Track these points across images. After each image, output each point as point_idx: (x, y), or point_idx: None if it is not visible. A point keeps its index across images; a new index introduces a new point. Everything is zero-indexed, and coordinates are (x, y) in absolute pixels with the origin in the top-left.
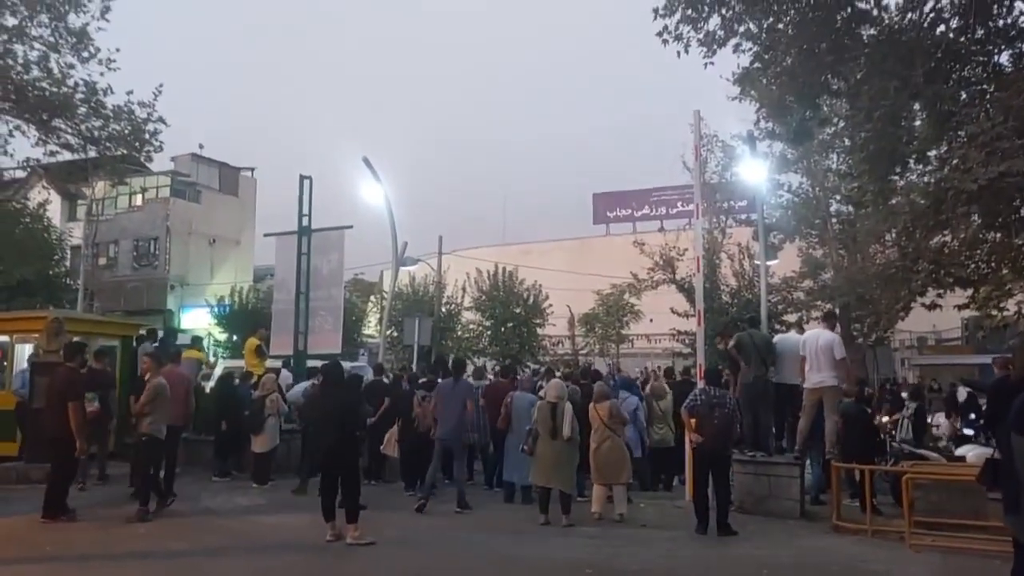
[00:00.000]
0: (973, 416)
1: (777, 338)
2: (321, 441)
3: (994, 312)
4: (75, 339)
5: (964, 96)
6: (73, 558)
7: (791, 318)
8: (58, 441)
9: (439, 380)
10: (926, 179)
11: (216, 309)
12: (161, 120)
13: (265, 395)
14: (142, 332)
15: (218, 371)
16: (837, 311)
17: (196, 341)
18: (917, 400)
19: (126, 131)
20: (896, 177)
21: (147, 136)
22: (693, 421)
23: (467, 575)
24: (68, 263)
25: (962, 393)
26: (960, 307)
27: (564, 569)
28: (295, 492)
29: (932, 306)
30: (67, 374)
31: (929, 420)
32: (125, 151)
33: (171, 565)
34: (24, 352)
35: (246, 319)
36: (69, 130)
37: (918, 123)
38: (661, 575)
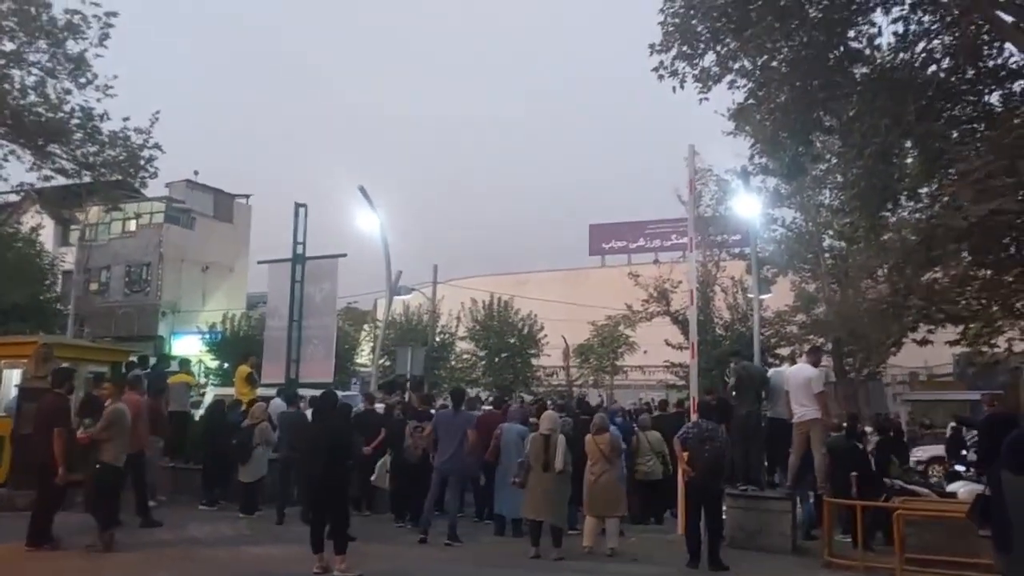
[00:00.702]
0: (964, 452)
1: (771, 372)
2: (310, 471)
3: (984, 349)
4: (64, 365)
5: (955, 135)
6: None
7: (784, 352)
8: (45, 468)
9: (432, 411)
10: (917, 216)
11: (208, 336)
12: (157, 146)
13: (254, 424)
14: (132, 359)
15: (208, 399)
16: (830, 346)
17: (184, 364)
18: (882, 434)
19: (121, 157)
20: (887, 213)
21: (142, 162)
22: (685, 454)
23: None
24: (60, 288)
25: (948, 429)
26: (951, 343)
27: None
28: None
29: (923, 342)
30: (54, 400)
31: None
32: (120, 177)
33: None
34: (12, 378)
35: (238, 347)
36: (64, 155)
37: (909, 161)
38: None
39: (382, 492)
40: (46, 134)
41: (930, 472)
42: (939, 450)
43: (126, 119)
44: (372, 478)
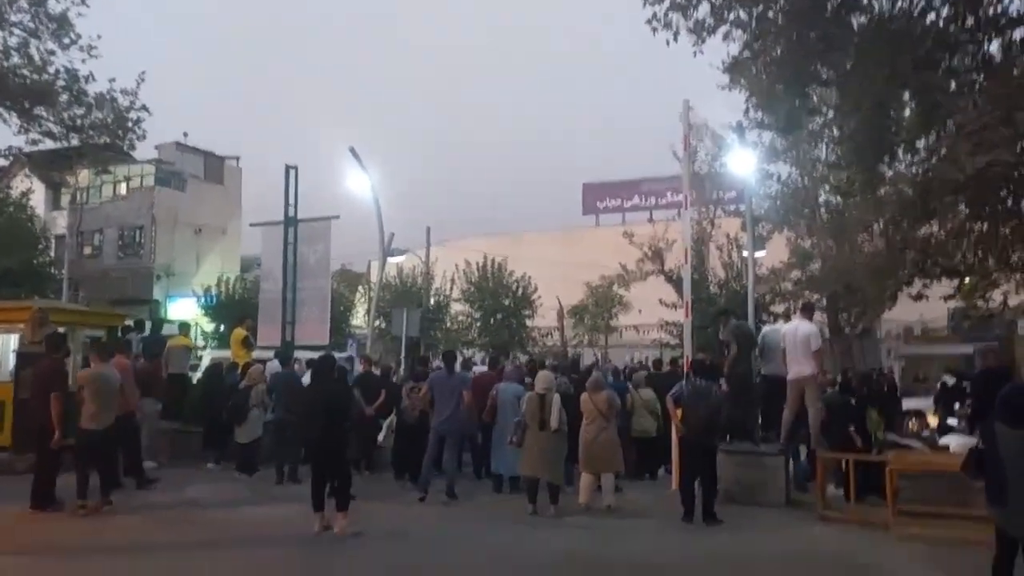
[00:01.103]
0: (957, 405)
1: (766, 329)
2: (308, 434)
3: (979, 303)
4: (59, 330)
5: (953, 85)
6: (60, 549)
7: (778, 309)
8: (44, 431)
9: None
10: (914, 169)
11: (203, 299)
12: (144, 108)
13: (251, 385)
14: (128, 323)
15: (205, 362)
16: (824, 301)
17: (183, 327)
18: (861, 389)
19: (108, 119)
20: (884, 167)
21: (130, 124)
22: (679, 411)
23: (456, 566)
24: (53, 253)
25: (949, 380)
26: (946, 298)
27: (552, 559)
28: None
29: (919, 296)
30: (50, 365)
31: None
32: (108, 139)
33: (159, 557)
34: (9, 343)
35: (233, 309)
36: (51, 118)
37: (906, 113)
38: (648, 565)
39: (381, 452)
40: (31, 96)
41: (907, 425)
42: (918, 403)
43: (112, 80)
44: (380, 438)
